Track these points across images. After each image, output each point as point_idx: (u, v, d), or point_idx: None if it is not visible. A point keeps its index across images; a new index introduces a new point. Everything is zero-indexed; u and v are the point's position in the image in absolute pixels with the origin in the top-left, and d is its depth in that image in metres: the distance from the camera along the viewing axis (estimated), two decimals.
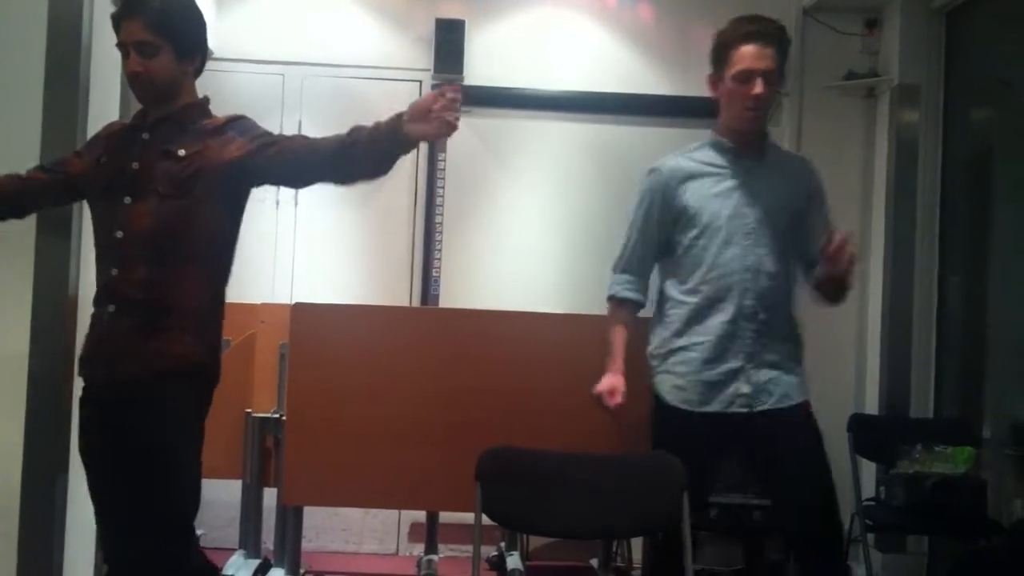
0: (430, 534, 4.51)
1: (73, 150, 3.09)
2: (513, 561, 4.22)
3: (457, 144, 5.13)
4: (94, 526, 3.16)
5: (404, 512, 4.95)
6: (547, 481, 2.72)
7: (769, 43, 2.79)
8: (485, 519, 2.67)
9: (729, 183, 2.87)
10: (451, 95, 2.29)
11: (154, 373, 2.39)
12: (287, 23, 5.14)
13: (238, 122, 2.54)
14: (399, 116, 2.33)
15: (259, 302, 3.99)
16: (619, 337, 2.94)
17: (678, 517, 2.65)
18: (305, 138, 2.51)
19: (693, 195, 2.87)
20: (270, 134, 2.51)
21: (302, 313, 3.41)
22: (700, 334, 2.84)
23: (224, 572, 3.81)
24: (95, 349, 2.49)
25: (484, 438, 2.82)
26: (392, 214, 5.15)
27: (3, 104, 3.10)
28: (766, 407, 2.81)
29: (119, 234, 2.46)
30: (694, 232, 2.86)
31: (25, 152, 3.04)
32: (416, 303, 5.06)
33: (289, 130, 4.96)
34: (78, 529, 3.31)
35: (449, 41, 5.10)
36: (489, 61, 5.18)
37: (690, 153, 2.96)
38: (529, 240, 5.17)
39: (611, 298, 3.02)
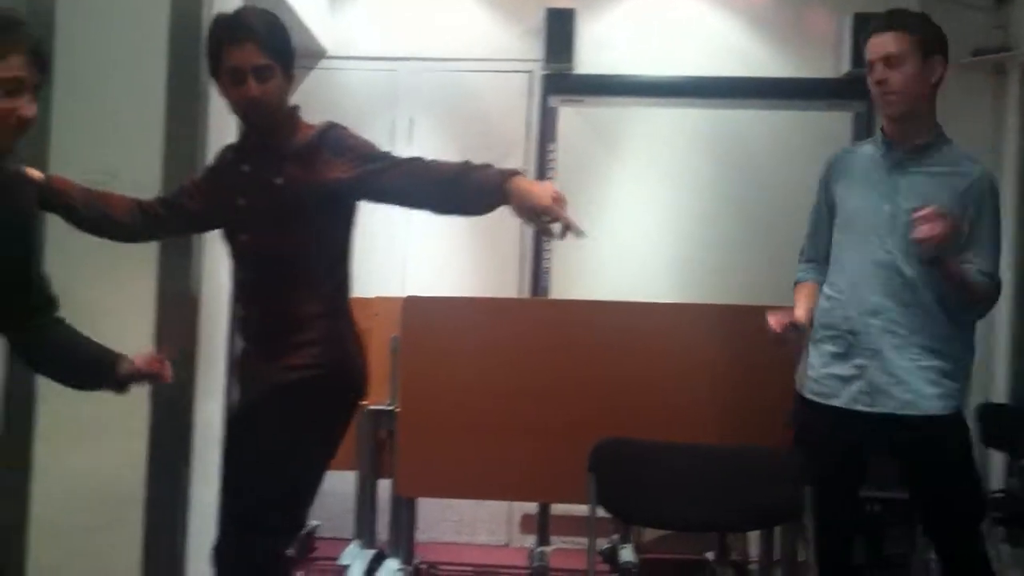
0: (542, 526, 4.50)
1: (192, 151, 3.20)
2: (626, 554, 4.18)
3: (568, 133, 5.12)
4: (215, 515, 3.23)
5: (516, 504, 4.95)
6: (662, 473, 2.69)
7: (884, 29, 2.72)
8: (599, 511, 2.65)
9: (875, 176, 2.78)
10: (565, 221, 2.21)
11: (278, 386, 2.42)
12: (397, 20, 5.19)
13: (330, 135, 2.46)
14: (512, 175, 2.27)
15: (372, 296, 4.03)
16: (802, 293, 2.88)
17: (798, 511, 2.58)
18: (414, 166, 2.42)
19: (843, 187, 2.83)
20: (374, 158, 2.42)
21: (414, 306, 3.44)
22: (831, 328, 2.77)
23: (340, 562, 3.87)
24: (239, 383, 2.57)
25: (597, 429, 2.80)
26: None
27: (128, 113, 3.20)
28: (888, 411, 2.70)
29: (240, 274, 2.54)
30: (837, 224, 2.83)
31: (148, 159, 3.16)
32: (526, 295, 5.06)
33: (402, 126, 5.06)
34: (199, 518, 3.41)
35: (559, 31, 5.08)
36: (600, 49, 5.13)
37: (859, 144, 2.92)
38: (641, 230, 5.10)
39: (795, 284, 2.97)
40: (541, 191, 2.23)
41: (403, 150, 4.90)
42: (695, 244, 4.98)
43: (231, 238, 2.56)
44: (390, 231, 5.10)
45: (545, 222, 2.21)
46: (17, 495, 3.13)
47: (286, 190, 2.41)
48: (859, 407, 2.71)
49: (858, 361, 2.72)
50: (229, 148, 2.62)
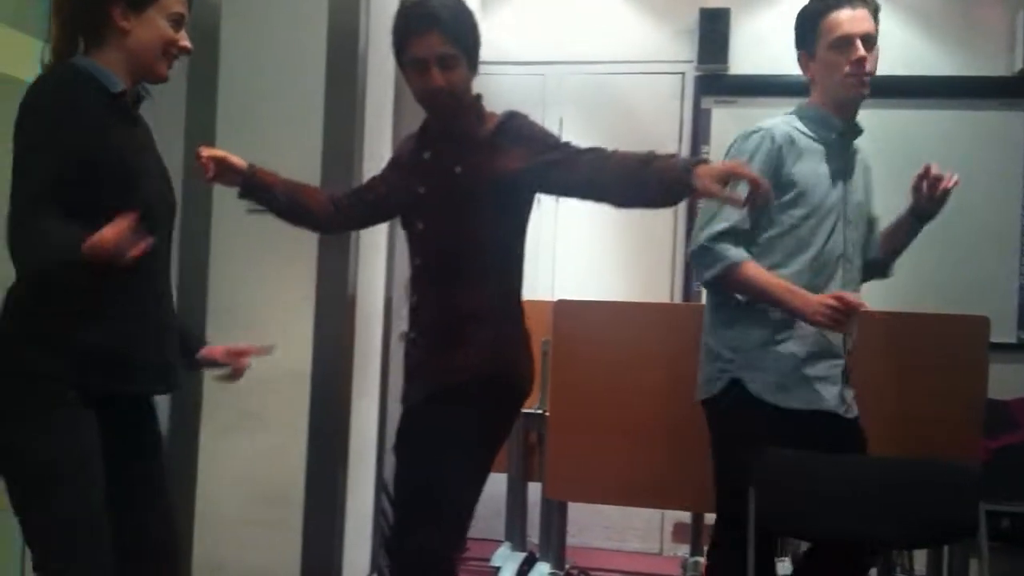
0: (695, 535, 4.41)
1: (350, 153, 3.27)
2: (784, 567, 4.05)
3: (721, 135, 5.01)
4: (371, 518, 3.29)
5: (668, 511, 4.87)
6: (823, 485, 2.58)
7: (860, 5, 2.58)
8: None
9: (837, 163, 2.64)
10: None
11: (445, 386, 2.39)
12: (546, 23, 5.19)
13: (511, 125, 2.41)
14: (697, 162, 2.15)
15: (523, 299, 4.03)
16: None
17: (972, 528, 2.44)
18: (594, 156, 2.33)
19: (803, 170, 2.60)
20: (553, 147, 2.37)
21: (564, 310, 3.41)
22: (801, 326, 2.55)
23: (492, 563, 3.88)
24: (405, 372, 2.54)
25: None
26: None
27: (288, 116, 3.29)
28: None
29: (417, 261, 2.51)
30: (802, 212, 2.59)
31: (307, 159, 3.25)
32: (678, 299, 4.97)
33: (549, 128, 5.05)
34: (356, 521, 3.47)
35: (713, 31, 4.99)
36: (755, 49, 5.01)
37: (793, 122, 2.69)
38: None
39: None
40: (726, 163, 2.21)
41: None
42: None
43: (408, 226, 2.54)
44: (539, 233, 5.10)
45: (731, 187, 2.10)
46: (184, 489, 3.25)
47: (464, 179, 2.38)
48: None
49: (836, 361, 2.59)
50: (411, 136, 2.61)
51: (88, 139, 1.90)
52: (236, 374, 2.36)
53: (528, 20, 5.20)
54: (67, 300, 1.91)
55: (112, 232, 1.74)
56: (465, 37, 2.37)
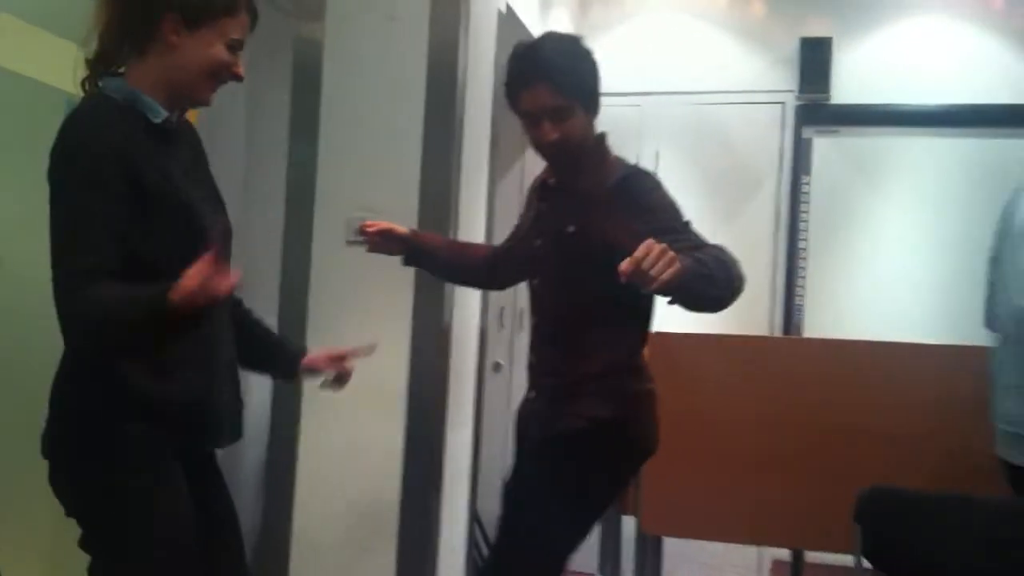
0: (795, 573, 4.29)
1: (448, 186, 3.31)
2: None
3: (823, 165, 4.93)
4: (464, 549, 3.28)
5: (767, 548, 4.76)
6: (938, 526, 2.48)
7: None
8: (864, 563, 2.49)
9: None
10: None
11: (552, 435, 2.34)
12: (643, 53, 5.17)
13: (630, 185, 2.24)
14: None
15: None
16: None
17: None
18: (716, 254, 2.08)
19: None
20: (673, 230, 2.10)
21: (661, 342, 3.37)
22: None
23: None
24: (518, 427, 2.49)
25: (856, 475, 2.65)
26: (753, 238, 5.00)
27: (387, 153, 3.34)
28: None
29: (534, 319, 2.44)
30: None
31: (406, 196, 3.29)
32: (778, 332, 4.88)
33: (647, 160, 5.03)
34: (449, 551, 3.47)
35: (814, 60, 4.91)
36: (857, 77, 4.92)
37: None
38: (901, 266, 4.83)
39: None
40: None
41: None
42: (962, 282, 4.64)
43: (529, 280, 2.47)
44: None
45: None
46: (281, 510, 3.31)
47: (576, 240, 2.27)
48: None
49: None
50: (537, 179, 2.50)
51: (131, 178, 1.70)
52: (341, 380, 2.20)
53: (624, 51, 5.20)
54: (146, 352, 1.75)
55: (195, 274, 1.55)
56: (579, 84, 2.26)
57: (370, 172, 3.35)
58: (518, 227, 2.61)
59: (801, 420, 3.21)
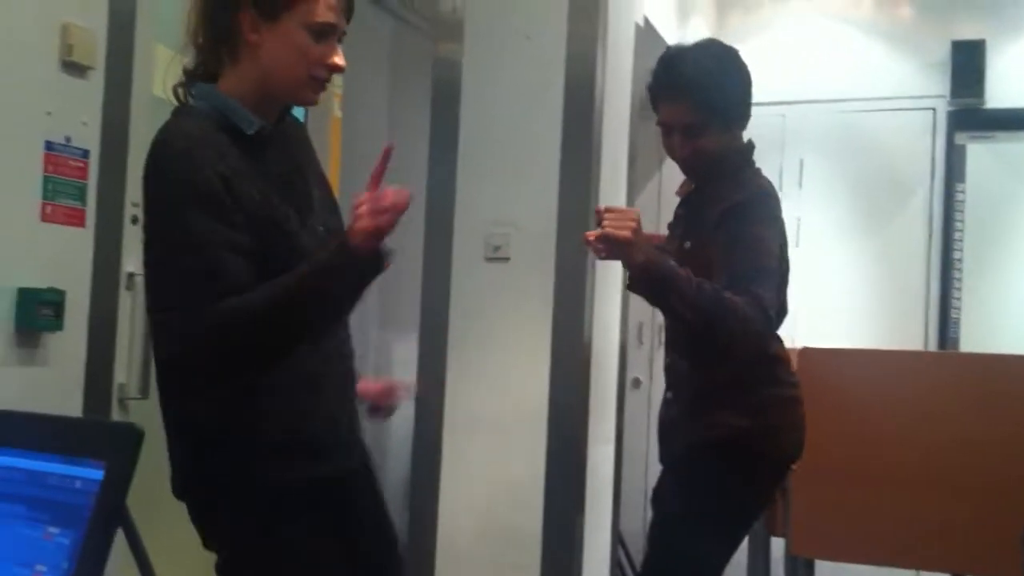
0: None
1: (586, 202, 3.29)
2: None
3: (977, 172, 4.73)
4: (607, 565, 3.25)
5: (926, 572, 4.54)
6: None
7: None
8: None
9: None
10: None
11: (690, 447, 2.32)
12: (787, 60, 5.05)
13: (735, 212, 2.17)
14: None
15: None
16: None
17: None
18: (725, 297, 2.05)
19: None
20: (738, 275, 2.08)
21: (811, 357, 3.27)
22: None
23: None
24: (660, 432, 2.47)
25: (1021, 495, 2.48)
26: (904, 250, 4.82)
27: (526, 169, 3.35)
28: None
29: (667, 323, 2.40)
30: None
31: (545, 211, 3.30)
32: (932, 346, 4.68)
33: (790, 169, 4.91)
34: (593, 567, 3.43)
35: (967, 63, 4.73)
36: (1012, 80, 4.71)
37: None
38: None
39: None
40: None
41: (793, 193, 4.83)
42: None
43: None
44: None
45: None
46: (425, 527, 3.33)
47: (690, 256, 2.23)
48: None
49: None
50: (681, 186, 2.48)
51: (225, 191, 1.58)
52: (385, 412, 1.99)
53: (765, 59, 5.06)
54: (267, 401, 1.64)
55: (362, 203, 1.50)
56: (718, 101, 2.23)
57: (509, 188, 3.36)
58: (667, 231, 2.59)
59: (959, 437, 3.06)
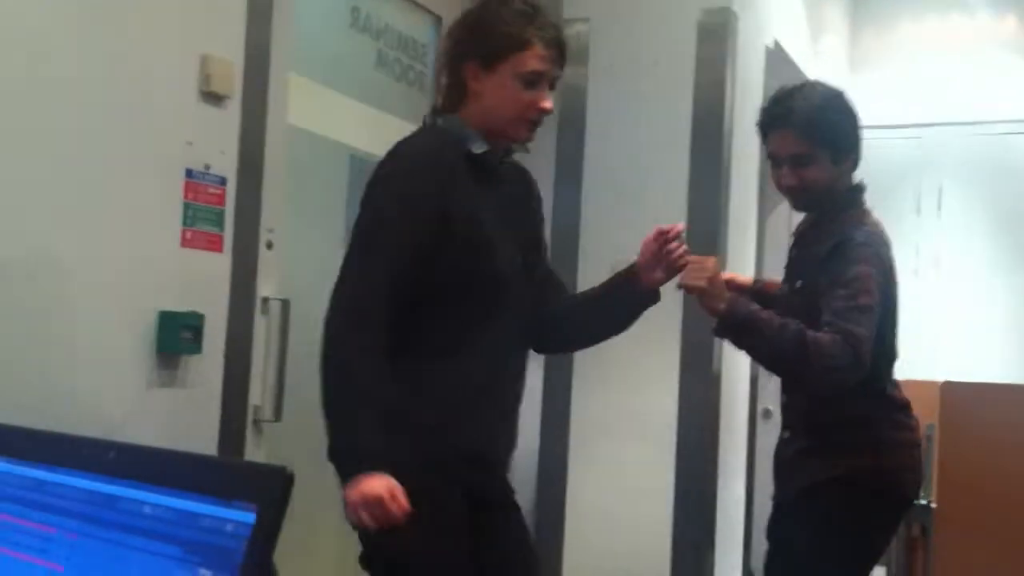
0: None
1: (715, 232, 3.24)
2: None
3: None
4: None
5: None
6: None
7: None
8: None
9: None
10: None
11: (811, 485, 2.30)
12: (924, 81, 4.89)
13: (836, 251, 2.21)
14: None
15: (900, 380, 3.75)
16: None
17: None
18: (806, 335, 2.10)
19: None
20: (833, 311, 2.13)
21: (953, 392, 3.15)
22: None
23: None
24: (775, 468, 2.47)
25: None
26: None
27: (652, 198, 3.30)
28: None
29: None
30: None
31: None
32: None
33: (928, 195, 4.75)
34: None
35: None
36: None
37: None
38: None
39: None
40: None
41: (930, 221, 4.65)
42: None
43: None
44: (921, 309, 4.73)
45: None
46: (551, 558, 3.29)
47: (801, 295, 2.27)
48: None
49: None
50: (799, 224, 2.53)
51: (442, 202, 1.82)
52: (670, 268, 2.13)
53: (899, 79, 4.93)
54: (436, 396, 1.84)
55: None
56: (825, 132, 2.27)
57: (636, 214, 3.31)
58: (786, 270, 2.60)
59: None
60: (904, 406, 2.35)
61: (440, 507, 1.81)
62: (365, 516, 1.69)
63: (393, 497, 1.68)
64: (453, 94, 1.94)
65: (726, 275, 2.44)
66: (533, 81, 1.88)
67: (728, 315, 2.12)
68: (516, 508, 2.00)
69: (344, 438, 1.77)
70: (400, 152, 1.88)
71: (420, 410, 1.83)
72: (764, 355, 2.20)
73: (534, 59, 1.87)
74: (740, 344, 2.21)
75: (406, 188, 1.84)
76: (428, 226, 1.81)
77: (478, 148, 1.90)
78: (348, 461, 1.74)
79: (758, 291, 2.51)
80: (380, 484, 1.69)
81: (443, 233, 1.82)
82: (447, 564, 1.82)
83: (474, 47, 1.90)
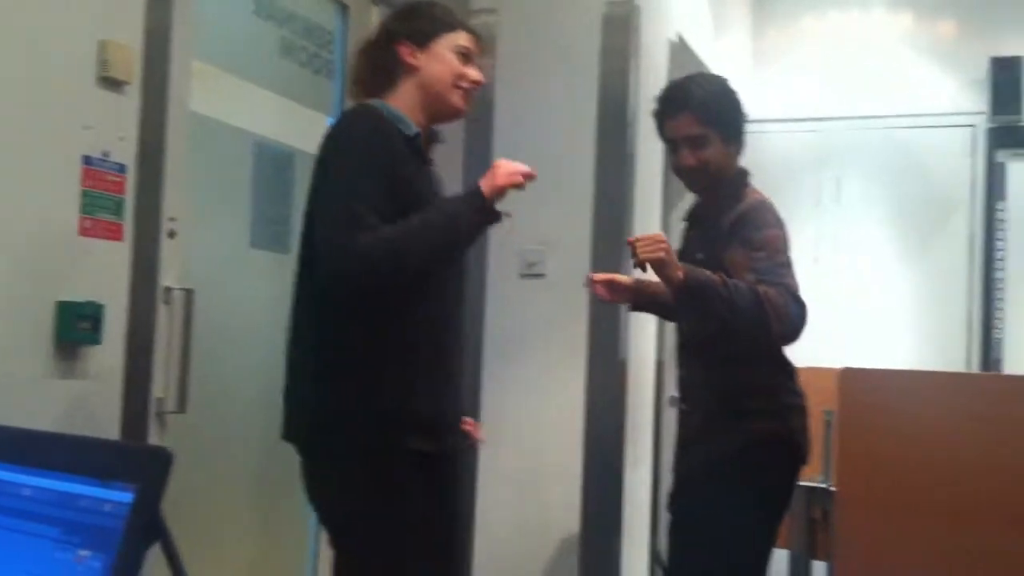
0: None
1: (621, 222, 3.27)
2: None
3: (1019, 190, 4.64)
4: None
5: None
6: None
7: None
8: None
9: None
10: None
11: (722, 454, 2.37)
12: (822, 77, 5.01)
13: (750, 219, 2.34)
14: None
15: (802, 366, 3.85)
16: None
17: None
18: (755, 289, 2.21)
19: None
20: (762, 271, 2.24)
21: (853, 379, 3.22)
22: None
23: None
24: (678, 441, 2.57)
25: None
26: (945, 269, 4.75)
27: (560, 188, 3.33)
28: None
29: (679, 337, 2.55)
30: None
31: (579, 230, 3.31)
32: (976, 368, 4.59)
33: (828, 187, 4.87)
34: None
35: (1006, 80, 4.66)
36: None
37: None
38: None
39: None
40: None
41: (830, 212, 4.77)
42: None
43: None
44: (820, 296, 4.85)
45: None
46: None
47: (705, 267, 2.32)
48: None
49: None
50: (688, 211, 2.62)
51: (396, 175, 1.92)
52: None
53: (800, 74, 5.05)
54: (395, 362, 1.92)
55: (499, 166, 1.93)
56: (719, 115, 2.42)
57: (543, 204, 3.32)
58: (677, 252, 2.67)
59: (1014, 464, 2.97)
60: (794, 373, 2.47)
61: (395, 469, 1.91)
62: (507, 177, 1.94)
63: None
64: (380, 78, 2.08)
65: (607, 276, 2.59)
66: (466, 56, 2.07)
67: (689, 280, 2.19)
68: (463, 470, 2.15)
69: (452, 225, 1.93)
70: (352, 122, 1.98)
71: (373, 382, 1.92)
72: (724, 313, 2.21)
73: (464, 39, 2.08)
74: (701, 306, 2.25)
75: (371, 147, 1.92)
76: (385, 182, 1.90)
77: (408, 130, 2.01)
78: (469, 208, 1.94)
79: (639, 290, 2.62)
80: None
81: (391, 200, 1.90)
82: (401, 521, 1.90)
83: (408, 28, 2.07)
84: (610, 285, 2.57)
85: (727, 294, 2.19)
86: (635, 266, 2.22)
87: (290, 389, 1.99)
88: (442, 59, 2.05)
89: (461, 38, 2.08)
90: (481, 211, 1.94)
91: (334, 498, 1.94)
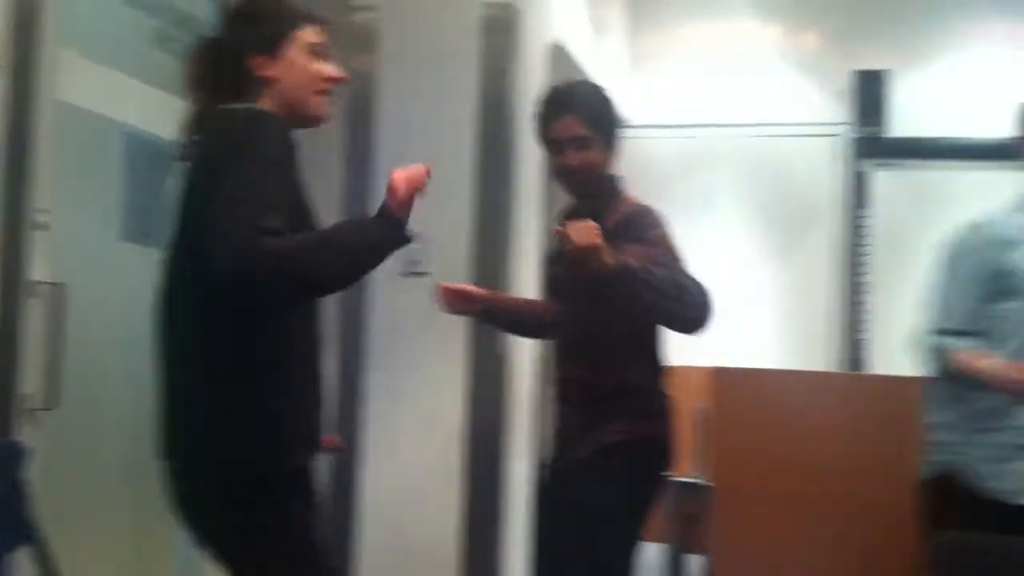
0: None
1: (501, 215, 3.28)
2: None
3: (882, 199, 4.84)
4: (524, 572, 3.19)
5: None
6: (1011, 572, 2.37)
7: None
8: None
9: None
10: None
11: (595, 450, 2.42)
12: (696, 84, 5.13)
13: (638, 220, 2.42)
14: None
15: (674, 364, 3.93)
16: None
17: None
18: (673, 275, 2.30)
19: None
20: (661, 253, 2.33)
21: (725, 378, 3.31)
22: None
23: None
24: (555, 438, 2.59)
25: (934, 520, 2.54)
26: (812, 274, 4.91)
27: (439, 183, 3.29)
28: None
29: (558, 338, 2.58)
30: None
31: (457, 225, 3.31)
32: (837, 367, 4.76)
33: (698, 193, 4.97)
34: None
35: (869, 92, 4.86)
36: (914, 110, 4.85)
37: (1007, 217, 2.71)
38: None
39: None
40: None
41: (700, 216, 4.89)
42: None
43: (551, 300, 2.64)
44: None
45: None
46: (342, 543, 3.26)
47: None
48: None
49: None
50: (561, 213, 2.65)
51: (295, 184, 1.84)
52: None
53: (677, 82, 5.15)
54: (277, 377, 1.84)
55: (399, 177, 1.82)
56: (599, 120, 2.47)
57: (424, 204, 3.31)
58: (547, 254, 2.75)
59: (878, 461, 3.10)
60: (667, 373, 2.54)
61: (302, 489, 1.88)
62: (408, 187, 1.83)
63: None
64: (233, 89, 1.90)
65: (457, 287, 2.63)
66: (318, 52, 1.93)
67: (623, 266, 2.19)
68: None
69: (365, 245, 1.83)
70: (255, 124, 1.82)
71: (256, 398, 1.82)
72: (651, 298, 2.24)
73: (311, 33, 1.93)
74: (630, 292, 2.24)
75: (279, 153, 1.80)
76: (292, 191, 1.82)
77: None
78: (381, 229, 1.83)
79: (493, 302, 2.68)
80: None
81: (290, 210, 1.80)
82: (290, 537, 1.85)
83: (254, 36, 1.90)
84: (460, 295, 2.59)
85: (656, 282, 2.22)
86: (567, 253, 2.20)
87: (168, 407, 1.87)
88: (295, 65, 1.90)
89: (309, 34, 1.92)
90: (392, 236, 1.84)
91: (219, 519, 1.83)
